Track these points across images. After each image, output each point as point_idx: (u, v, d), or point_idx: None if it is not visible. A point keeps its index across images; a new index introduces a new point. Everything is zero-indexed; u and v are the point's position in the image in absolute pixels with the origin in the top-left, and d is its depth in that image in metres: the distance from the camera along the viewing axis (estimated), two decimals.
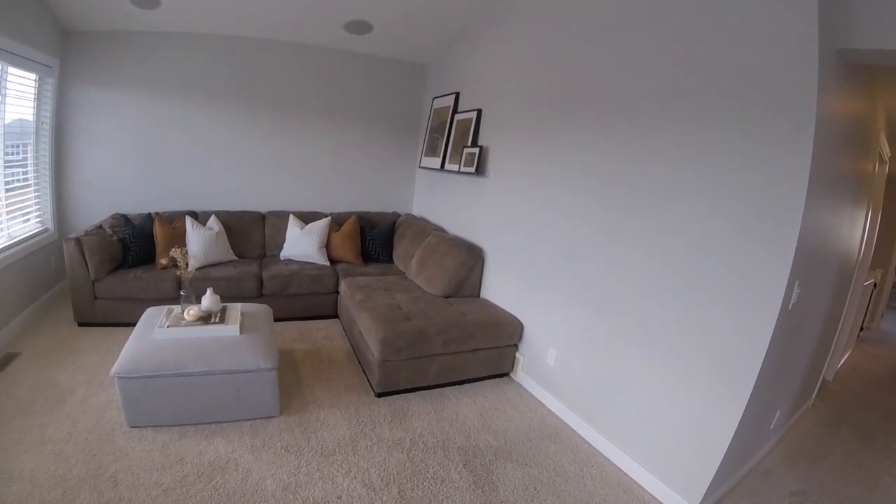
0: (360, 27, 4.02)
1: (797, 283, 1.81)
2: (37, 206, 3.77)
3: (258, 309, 3.06)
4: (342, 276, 3.99)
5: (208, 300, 2.76)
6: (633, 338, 2.34)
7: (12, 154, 3.50)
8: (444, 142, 4.11)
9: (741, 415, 1.87)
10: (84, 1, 3.44)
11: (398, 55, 4.68)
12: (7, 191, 3.32)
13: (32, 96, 3.59)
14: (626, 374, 2.38)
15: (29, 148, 3.68)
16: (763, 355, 1.79)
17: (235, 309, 2.87)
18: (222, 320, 2.68)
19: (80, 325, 3.44)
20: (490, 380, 3.22)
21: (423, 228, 4.20)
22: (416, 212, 5.05)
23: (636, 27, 2.31)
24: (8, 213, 3.33)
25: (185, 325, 2.57)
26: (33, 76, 3.51)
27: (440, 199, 4.46)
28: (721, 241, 1.93)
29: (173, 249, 2.74)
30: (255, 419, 2.51)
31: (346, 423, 2.58)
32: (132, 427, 2.37)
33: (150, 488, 1.98)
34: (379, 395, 2.87)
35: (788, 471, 2.60)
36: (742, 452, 2.20)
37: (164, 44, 4.04)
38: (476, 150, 3.58)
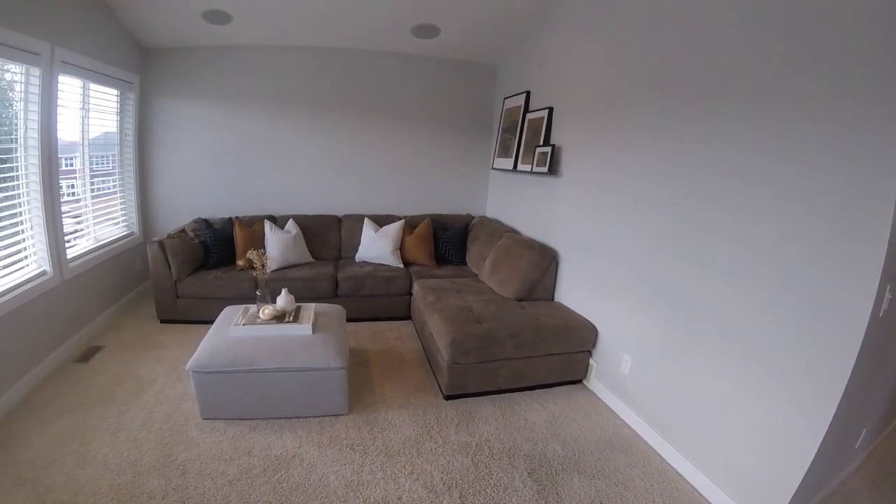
0: (427, 31, 4.06)
1: (889, 287, 1.53)
2: (123, 212, 4.22)
3: (331, 309, 3.17)
4: (415, 277, 4.04)
5: (283, 300, 2.89)
6: (712, 346, 2.11)
7: (99, 164, 3.92)
8: (516, 142, 4.03)
9: (825, 432, 1.63)
10: (160, 20, 3.79)
11: (467, 57, 4.68)
12: (94, 197, 3.73)
13: (115, 110, 4.01)
14: (704, 384, 2.16)
15: (115, 158, 4.11)
16: (851, 368, 1.55)
17: (309, 309, 2.99)
18: (296, 319, 2.80)
19: (162, 321, 3.76)
20: (561, 386, 3.08)
21: (497, 230, 4.13)
22: (489, 214, 5.00)
23: (735, 4, 2.06)
24: (95, 217, 3.73)
25: (260, 324, 2.71)
26: (115, 91, 3.92)
27: (513, 201, 4.37)
28: (807, 235, 1.69)
29: (250, 251, 2.91)
30: (323, 416, 2.59)
31: (413, 424, 2.58)
32: (205, 419, 2.52)
33: (216, 478, 2.09)
34: (447, 398, 2.85)
35: (872, 494, 2.25)
36: (824, 473, 1.92)
37: (237, 56, 4.35)
38: (548, 149, 3.46)
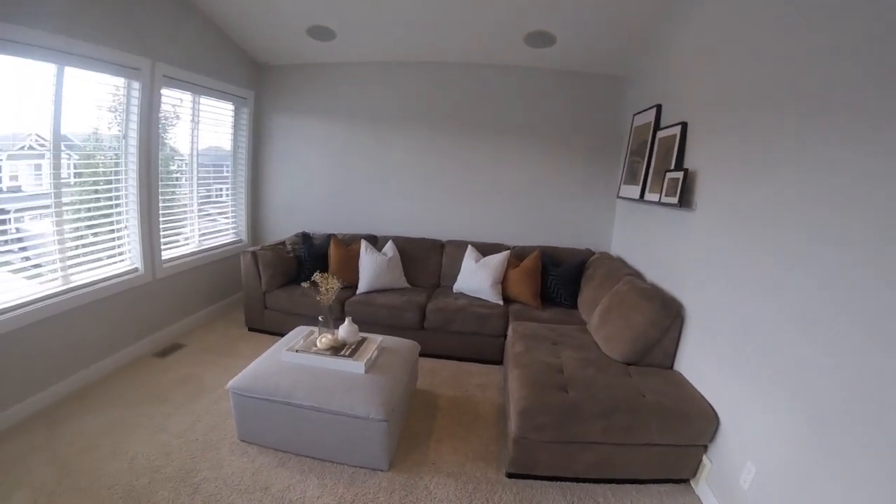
0: (541, 39, 3.61)
1: None
2: (232, 220, 4.54)
3: (402, 346, 2.88)
4: (512, 318, 3.54)
5: (345, 330, 2.69)
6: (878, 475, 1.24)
7: (213, 174, 4.28)
8: (644, 165, 3.29)
9: None
10: (271, 39, 4.01)
11: (588, 68, 4.07)
12: (204, 204, 4.07)
13: (230, 124, 4.34)
14: None
15: (228, 168, 4.46)
16: None
17: (373, 343, 2.74)
18: (352, 354, 2.55)
19: (250, 329, 3.88)
20: (661, 484, 2.31)
21: (615, 272, 3.41)
22: (614, 250, 4.21)
23: None
24: (201, 224, 4.05)
25: (314, 353, 2.55)
26: (231, 106, 4.25)
27: (640, 237, 3.58)
28: None
29: (316, 273, 2.77)
30: (359, 467, 2.30)
31: (457, 500, 2.12)
32: (241, 440, 2.44)
33: None
34: (509, 476, 2.32)
35: None
36: None
37: (343, 73, 4.41)
38: (679, 174, 2.71)
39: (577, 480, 2.30)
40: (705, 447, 2.23)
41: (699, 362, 2.43)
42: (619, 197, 3.96)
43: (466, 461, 2.42)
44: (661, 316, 2.63)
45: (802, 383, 1.68)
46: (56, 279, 2.86)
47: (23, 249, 2.87)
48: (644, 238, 3.46)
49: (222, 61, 4.06)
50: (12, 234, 2.71)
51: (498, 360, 3.59)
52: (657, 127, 3.20)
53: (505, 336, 3.54)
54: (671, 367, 2.66)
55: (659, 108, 3.21)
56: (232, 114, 4.44)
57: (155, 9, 3.26)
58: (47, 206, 2.80)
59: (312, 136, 4.63)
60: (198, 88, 3.83)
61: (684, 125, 2.80)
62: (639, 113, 3.60)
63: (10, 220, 2.71)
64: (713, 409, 2.18)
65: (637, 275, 3.29)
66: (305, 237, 4.26)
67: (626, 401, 2.25)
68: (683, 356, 2.58)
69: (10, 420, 2.52)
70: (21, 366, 2.60)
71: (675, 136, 2.86)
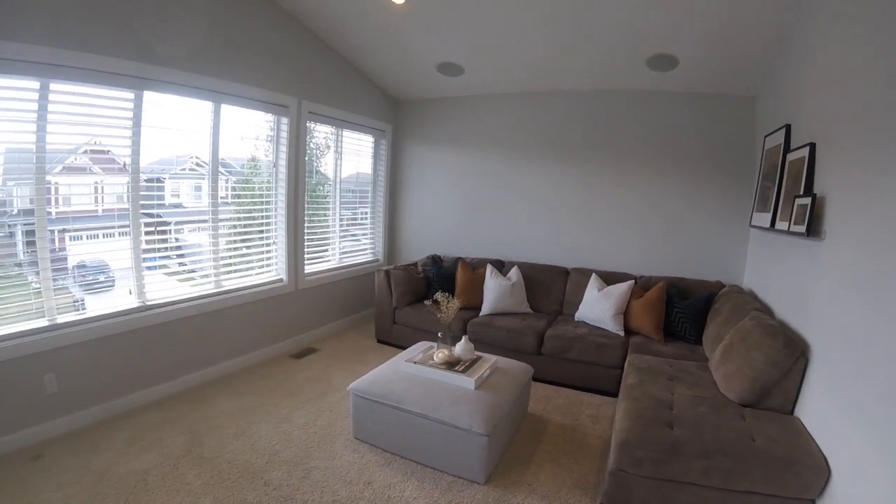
0: (664, 62, 3.59)
1: None
2: (371, 240, 5.18)
3: (515, 367, 3.07)
4: (632, 350, 3.49)
5: (461, 347, 2.97)
6: None
7: (356, 197, 4.97)
8: (774, 191, 3.02)
9: None
10: (406, 77, 4.58)
11: (713, 88, 3.85)
12: (346, 224, 4.80)
13: (370, 154, 5.04)
14: None
15: (368, 194, 5.14)
16: None
17: (487, 362, 2.96)
18: (465, 370, 2.79)
19: (378, 341, 4.37)
20: None
21: (742, 307, 3.14)
22: (746, 283, 3.82)
23: None
24: (342, 243, 4.75)
25: (430, 366, 2.85)
26: (371, 138, 4.94)
27: (771, 269, 3.23)
28: None
29: (438, 293, 3.10)
30: (457, 477, 2.51)
31: None
32: (355, 438, 2.79)
33: (326, 493, 2.32)
34: None
35: None
36: None
37: (471, 105, 4.79)
38: (807, 200, 2.48)
39: None
40: (812, 501, 1.99)
41: (818, 408, 2.18)
42: (751, 226, 3.63)
43: (563, 488, 2.49)
44: (782, 355, 2.40)
45: None
46: (210, 283, 3.59)
47: (180, 256, 3.61)
48: (775, 270, 3.14)
49: (361, 98, 4.76)
50: (172, 242, 3.48)
51: (614, 392, 3.53)
52: (787, 149, 2.93)
53: (622, 368, 3.50)
54: (791, 412, 2.40)
55: (788, 128, 2.95)
56: (371, 145, 5.17)
57: (300, 54, 4.01)
58: (205, 221, 3.53)
59: (444, 165, 5.10)
60: (339, 122, 4.57)
61: (812, 146, 2.56)
62: (769, 134, 3.31)
63: (171, 230, 3.44)
64: (826, 461, 1.95)
65: (766, 310, 3.00)
66: (435, 259, 4.73)
67: (731, 443, 2.13)
68: (804, 401, 2.32)
69: (158, 394, 3.17)
70: (176, 351, 3.27)
71: (803, 158, 2.62)
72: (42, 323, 2.71)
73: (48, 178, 2.71)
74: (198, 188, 3.65)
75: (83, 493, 2.25)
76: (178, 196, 3.59)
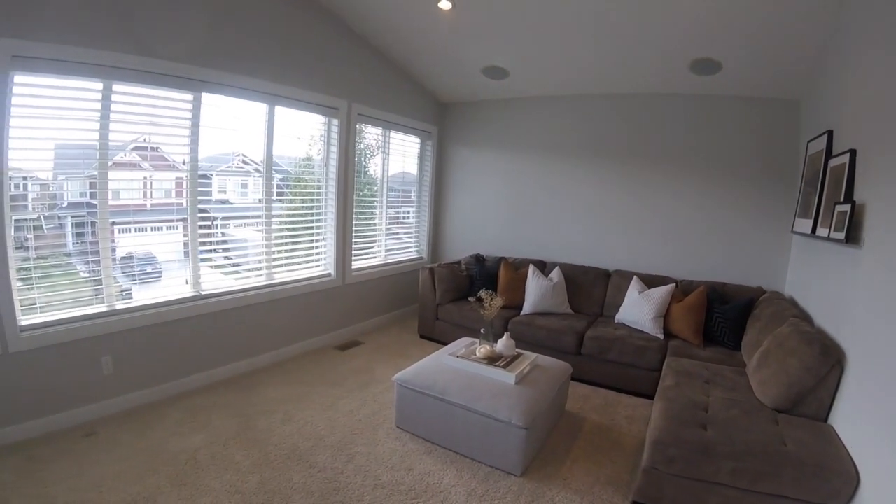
0: (707, 67, 3.62)
1: None
2: (415, 239, 5.35)
3: (554, 365, 3.17)
4: (670, 353, 3.55)
5: (502, 344, 3.10)
6: None
7: (400, 197, 5.12)
8: (816, 197, 3.00)
9: None
10: (452, 80, 4.73)
11: (756, 92, 3.82)
12: (392, 223, 4.95)
13: (416, 154, 5.22)
14: None
15: (414, 193, 5.31)
16: None
17: (527, 359, 3.06)
18: (506, 366, 2.91)
19: (421, 337, 4.52)
20: None
21: (781, 313, 3.14)
22: (787, 290, 3.77)
23: None
24: (388, 238, 4.93)
25: (472, 360, 2.98)
26: (417, 140, 5.11)
27: (811, 276, 3.20)
28: None
29: (482, 290, 3.20)
30: (494, 468, 2.63)
31: None
32: (398, 426, 2.94)
33: (368, 477, 2.47)
34: None
35: None
36: None
37: (516, 108, 4.89)
38: (847, 207, 2.48)
39: None
40: None
41: (851, 417, 2.20)
42: (793, 232, 3.59)
43: (596, 483, 2.58)
44: (818, 362, 2.43)
45: None
46: (262, 275, 3.80)
47: (225, 250, 3.72)
48: (815, 277, 3.12)
49: (408, 100, 4.94)
50: (218, 237, 3.60)
51: (651, 395, 3.57)
52: (829, 155, 2.91)
53: (660, 371, 3.55)
54: (825, 419, 2.42)
55: (830, 134, 2.93)
56: (418, 146, 5.37)
57: (351, 58, 4.22)
58: (258, 217, 3.71)
59: (488, 166, 5.23)
60: (388, 124, 4.78)
61: (853, 153, 2.55)
62: (812, 140, 3.28)
63: (217, 225, 3.57)
64: (856, 469, 1.99)
65: (805, 318, 3.00)
66: (478, 259, 4.87)
67: (762, 446, 2.20)
68: (838, 408, 2.34)
69: (209, 379, 3.34)
70: (227, 339, 3.44)
71: (844, 164, 2.62)
72: (101, 308, 2.90)
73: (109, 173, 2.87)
74: (244, 185, 3.84)
75: (135, 468, 2.41)
76: (224, 192, 3.71)
